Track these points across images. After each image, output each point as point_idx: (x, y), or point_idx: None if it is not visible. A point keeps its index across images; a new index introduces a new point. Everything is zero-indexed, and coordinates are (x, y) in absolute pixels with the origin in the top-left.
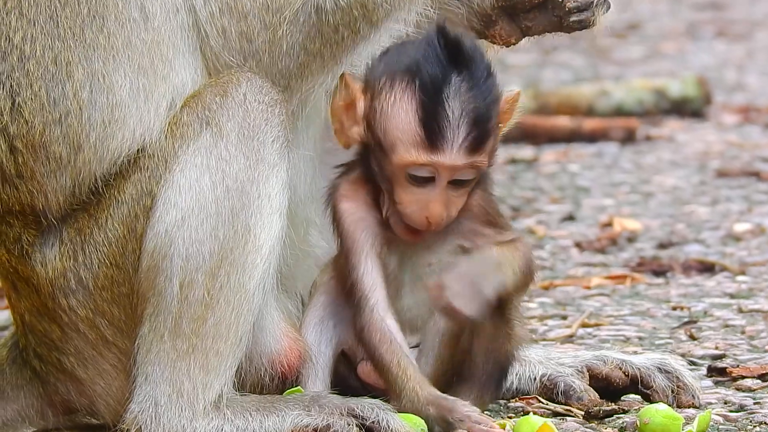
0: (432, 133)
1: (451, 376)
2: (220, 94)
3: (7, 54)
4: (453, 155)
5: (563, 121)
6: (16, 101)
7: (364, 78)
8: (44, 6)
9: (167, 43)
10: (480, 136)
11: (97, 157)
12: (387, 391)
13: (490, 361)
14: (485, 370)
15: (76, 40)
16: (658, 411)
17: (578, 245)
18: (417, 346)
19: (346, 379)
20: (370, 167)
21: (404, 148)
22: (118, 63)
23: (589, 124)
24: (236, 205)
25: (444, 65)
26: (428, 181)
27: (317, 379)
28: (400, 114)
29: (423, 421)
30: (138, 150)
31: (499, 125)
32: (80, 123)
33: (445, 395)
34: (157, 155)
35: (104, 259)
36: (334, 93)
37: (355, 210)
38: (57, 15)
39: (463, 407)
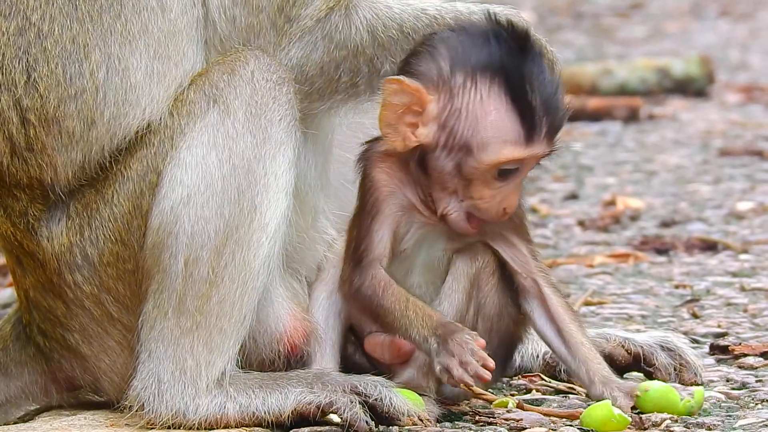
0: (527, 128)
1: None
2: (228, 72)
3: (24, 30)
4: (542, 145)
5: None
6: (32, 76)
7: (426, 78)
8: None
9: (183, 34)
10: (560, 122)
11: (109, 134)
12: (391, 365)
13: (495, 342)
14: (490, 350)
15: (94, 23)
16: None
17: (581, 224)
18: None
19: (352, 356)
20: (425, 164)
21: (500, 146)
22: (134, 48)
23: (593, 103)
24: (242, 183)
25: (521, 58)
26: (513, 173)
27: (326, 356)
28: (492, 112)
29: (422, 400)
30: (145, 126)
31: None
32: (95, 101)
33: (456, 323)
34: (164, 132)
35: (110, 235)
36: (383, 98)
37: (388, 183)
38: None
39: (467, 337)
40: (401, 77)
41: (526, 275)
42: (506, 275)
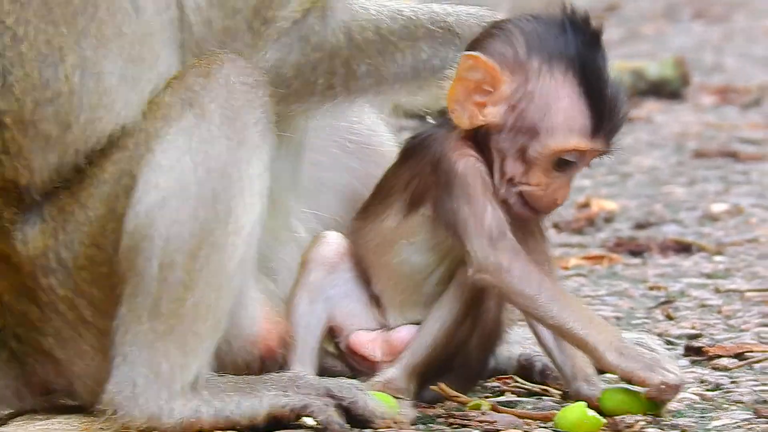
0: (595, 120)
1: (442, 363)
2: (203, 75)
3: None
4: (603, 141)
5: None
6: (8, 79)
7: (502, 58)
8: None
9: (157, 36)
10: (622, 121)
11: (84, 137)
12: (378, 362)
13: (483, 360)
14: (478, 360)
15: (68, 26)
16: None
17: (556, 226)
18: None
19: (325, 361)
20: (486, 145)
21: (567, 134)
22: (108, 51)
23: None
24: (217, 187)
25: (594, 51)
26: (571, 165)
27: (304, 361)
28: (564, 99)
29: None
30: (121, 129)
31: None
32: (71, 104)
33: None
34: (139, 136)
35: (85, 239)
36: (457, 72)
37: (474, 162)
38: (50, 1)
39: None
40: (478, 53)
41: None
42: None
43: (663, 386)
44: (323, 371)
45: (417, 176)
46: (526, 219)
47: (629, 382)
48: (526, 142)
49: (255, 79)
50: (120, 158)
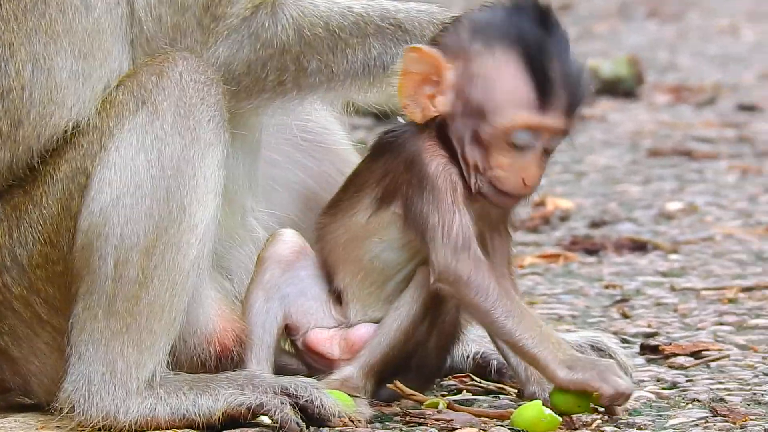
0: (541, 96)
1: (400, 362)
2: (156, 73)
3: None
4: (557, 117)
5: None
6: None
7: (446, 47)
8: None
9: (107, 32)
10: (579, 98)
11: (36, 133)
12: (336, 360)
13: (441, 351)
14: (436, 359)
15: (19, 22)
16: None
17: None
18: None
19: (283, 357)
20: (448, 137)
21: (513, 110)
22: (59, 47)
23: None
24: (171, 185)
25: (542, 31)
26: (528, 145)
27: (261, 360)
28: (507, 77)
29: (352, 400)
30: (73, 127)
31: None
32: (21, 100)
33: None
34: (92, 134)
35: (39, 237)
36: (402, 67)
37: (446, 164)
38: None
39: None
40: (420, 45)
41: (497, 270)
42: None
43: (615, 394)
44: (280, 369)
45: (389, 173)
46: (505, 206)
47: (582, 394)
48: (477, 124)
49: (208, 77)
50: (74, 156)
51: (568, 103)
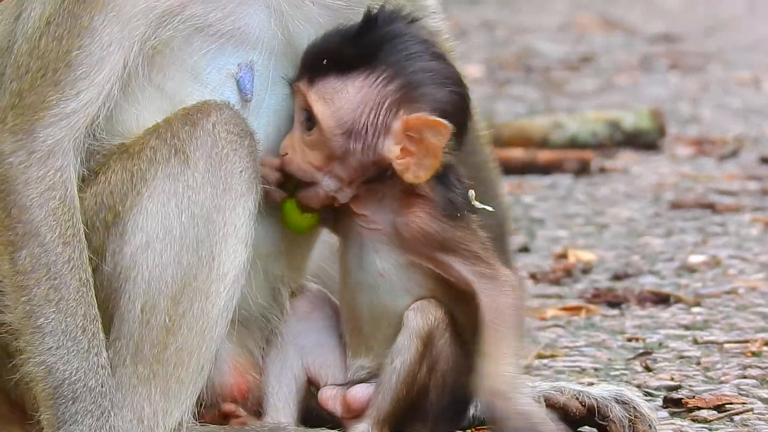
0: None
1: (407, 413)
2: (190, 123)
3: None
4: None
5: (517, 153)
6: None
7: None
8: None
9: None
10: (324, 73)
11: None
12: (345, 419)
13: (446, 397)
14: (441, 405)
15: None
16: None
17: (533, 277)
18: (372, 378)
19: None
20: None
21: None
22: None
23: (543, 156)
24: (201, 233)
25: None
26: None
27: (279, 411)
28: None
29: None
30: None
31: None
32: None
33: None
34: (121, 173)
35: None
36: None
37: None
38: None
39: None
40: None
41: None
42: (458, 328)
43: None
44: (309, 417)
45: None
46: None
47: None
48: None
49: (242, 128)
50: (99, 192)
51: (309, 67)
